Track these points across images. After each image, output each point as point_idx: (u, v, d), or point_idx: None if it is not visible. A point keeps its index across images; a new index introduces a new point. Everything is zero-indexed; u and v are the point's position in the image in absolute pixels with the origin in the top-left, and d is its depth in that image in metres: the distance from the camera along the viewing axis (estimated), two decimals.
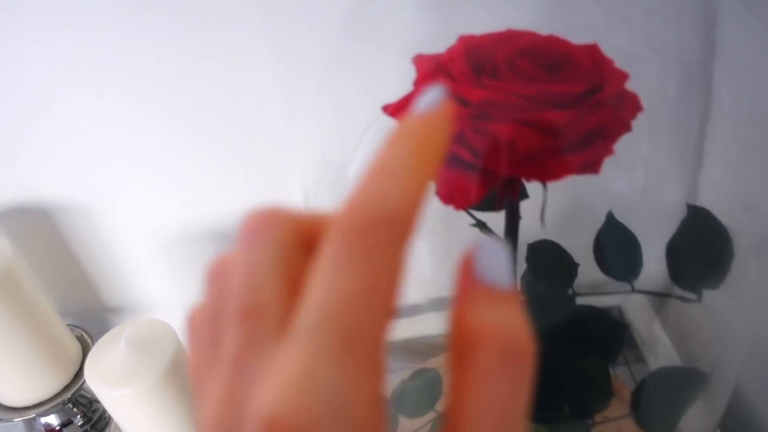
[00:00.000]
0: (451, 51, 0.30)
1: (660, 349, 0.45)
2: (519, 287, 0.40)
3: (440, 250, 0.43)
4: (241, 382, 0.16)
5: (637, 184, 0.38)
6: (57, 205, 0.56)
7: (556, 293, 0.41)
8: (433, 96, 0.18)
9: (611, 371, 0.44)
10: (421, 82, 0.31)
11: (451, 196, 0.32)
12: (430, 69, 0.30)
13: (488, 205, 0.37)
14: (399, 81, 0.32)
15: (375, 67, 0.34)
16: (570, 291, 0.40)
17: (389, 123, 0.33)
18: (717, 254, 0.36)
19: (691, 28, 0.33)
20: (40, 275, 0.55)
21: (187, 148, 0.54)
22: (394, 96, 0.31)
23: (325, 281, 0.15)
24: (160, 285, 0.63)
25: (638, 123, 0.30)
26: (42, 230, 0.57)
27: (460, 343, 0.16)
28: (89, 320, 0.64)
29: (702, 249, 0.37)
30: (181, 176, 0.55)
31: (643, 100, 0.30)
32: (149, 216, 0.58)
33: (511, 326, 0.16)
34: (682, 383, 0.40)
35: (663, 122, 0.35)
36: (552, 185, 0.33)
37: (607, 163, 0.30)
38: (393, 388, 0.46)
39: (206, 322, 0.18)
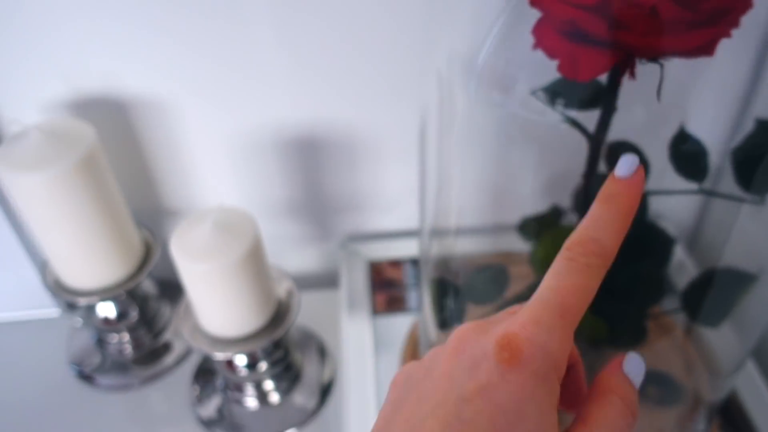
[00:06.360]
0: None
1: (711, 252, 0.49)
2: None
3: None
4: (487, 325, 0.26)
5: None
6: (134, 98, 0.58)
7: None
8: (630, 163, 0.27)
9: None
10: None
11: (575, 70, 0.36)
12: None
13: (590, 101, 0.41)
14: None
15: None
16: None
17: (519, 9, 0.37)
18: None
19: None
20: (112, 166, 0.56)
21: (265, 55, 0.56)
22: None
23: (554, 278, 0.25)
24: (221, 191, 0.65)
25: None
26: (117, 122, 0.58)
27: (596, 386, 0.26)
28: (148, 218, 0.66)
29: (765, 154, 0.41)
30: (254, 84, 0.58)
31: None
32: (218, 120, 0.60)
33: (633, 393, 0.26)
34: (730, 282, 0.44)
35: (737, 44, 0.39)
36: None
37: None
38: (463, 280, 0.49)
39: None
